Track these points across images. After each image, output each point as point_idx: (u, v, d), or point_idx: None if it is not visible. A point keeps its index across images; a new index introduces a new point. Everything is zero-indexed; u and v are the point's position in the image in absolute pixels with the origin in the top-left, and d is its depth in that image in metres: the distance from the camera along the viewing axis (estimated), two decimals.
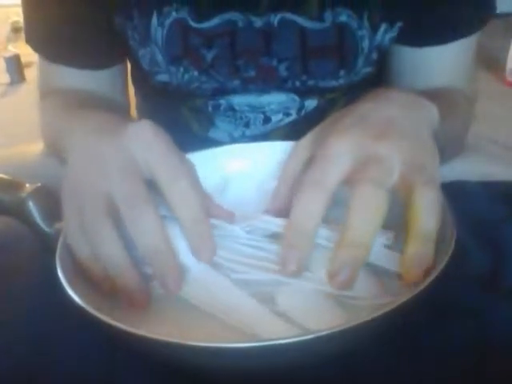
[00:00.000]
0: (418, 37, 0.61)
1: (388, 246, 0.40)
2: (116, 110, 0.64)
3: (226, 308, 0.36)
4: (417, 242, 0.35)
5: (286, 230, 0.38)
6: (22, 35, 0.67)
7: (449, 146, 0.40)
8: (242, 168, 0.51)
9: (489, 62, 2.51)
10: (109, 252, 0.36)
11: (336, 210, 0.44)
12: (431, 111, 0.43)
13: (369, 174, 0.36)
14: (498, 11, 0.62)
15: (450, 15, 0.59)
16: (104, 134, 0.40)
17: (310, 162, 0.39)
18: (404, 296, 0.31)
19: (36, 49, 0.65)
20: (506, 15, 2.77)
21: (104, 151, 0.39)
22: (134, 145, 0.38)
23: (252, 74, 0.62)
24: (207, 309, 0.36)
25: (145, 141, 0.39)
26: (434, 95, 0.45)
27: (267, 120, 0.68)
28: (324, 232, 0.40)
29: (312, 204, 0.37)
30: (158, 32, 0.60)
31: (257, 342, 0.30)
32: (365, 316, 0.29)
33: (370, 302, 0.36)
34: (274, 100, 0.66)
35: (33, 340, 0.39)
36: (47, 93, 0.66)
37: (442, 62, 0.63)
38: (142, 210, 0.36)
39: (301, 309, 0.35)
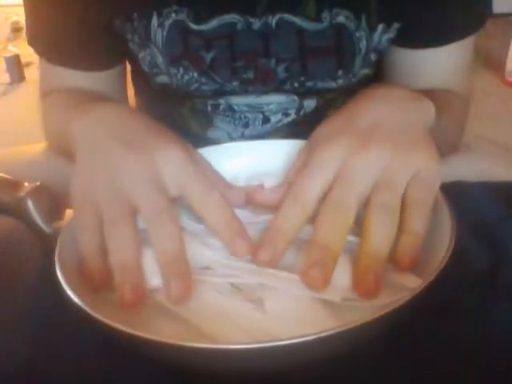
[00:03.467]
0: (415, 39, 0.62)
1: None
2: None
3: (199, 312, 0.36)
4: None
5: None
6: (22, 35, 0.68)
7: (441, 146, 0.40)
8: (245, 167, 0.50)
9: (488, 62, 2.51)
10: (123, 247, 0.37)
11: None
12: (428, 108, 0.43)
13: (335, 192, 0.37)
14: (497, 11, 0.62)
15: (446, 17, 0.59)
16: (127, 145, 0.40)
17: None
18: (403, 296, 0.30)
19: (38, 51, 0.66)
20: (506, 15, 2.77)
21: (131, 165, 0.39)
22: (164, 166, 0.39)
23: (251, 75, 0.63)
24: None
25: (175, 162, 0.39)
26: (429, 95, 0.45)
27: (266, 120, 0.68)
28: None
29: (290, 218, 0.38)
30: (157, 33, 0.60)
31: (259, 343, 0.29)
32: (363, 317, 0.29)
33: (362, 304, 0.35)
34: (273, 100, 0.66)
35: (33, 340, 0.39)
36: (48, 92, 0.67)
37: (439, 64, 0.63)
38: (167, 226, 0.37)
39: (289, 312, 0.35)
